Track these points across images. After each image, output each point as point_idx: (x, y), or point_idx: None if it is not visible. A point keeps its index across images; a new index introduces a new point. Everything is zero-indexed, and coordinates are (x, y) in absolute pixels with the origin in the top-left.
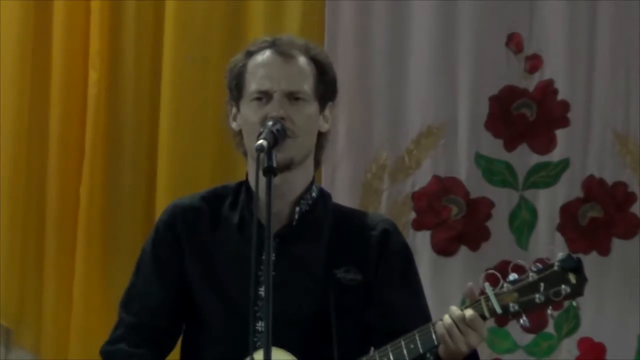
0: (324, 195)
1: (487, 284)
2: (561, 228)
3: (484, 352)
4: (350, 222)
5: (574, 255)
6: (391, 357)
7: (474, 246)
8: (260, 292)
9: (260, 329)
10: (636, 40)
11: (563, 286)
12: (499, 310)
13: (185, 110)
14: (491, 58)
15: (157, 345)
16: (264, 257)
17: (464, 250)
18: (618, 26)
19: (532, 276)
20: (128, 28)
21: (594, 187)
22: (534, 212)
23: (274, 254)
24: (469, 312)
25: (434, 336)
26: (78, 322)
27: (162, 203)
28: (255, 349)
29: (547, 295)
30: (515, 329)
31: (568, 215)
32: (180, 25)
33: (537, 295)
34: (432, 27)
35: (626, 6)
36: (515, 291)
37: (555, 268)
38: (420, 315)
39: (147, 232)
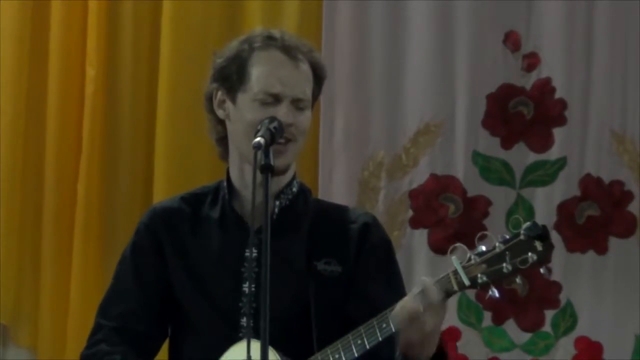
0: (304, 190)
1: (454, 258)
2: (558, 226)
3: (481, 350)
4: (331, 216)
5: (540, 223)
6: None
7: (471, 244)
8: (244, 289)
9: (245, 324)
10: (634, 39)
11: (530, 254)
12: (467, 282)
13: (182, 107)
14: (488, 56)
15: (138, 347)
16: (247, 254)
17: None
18: (616, 24)
19: (499, 246)
20: (125, 25)
21: (591, 186)
22: (531, 211)
23: (256, 250)
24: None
25: (391, 324)
26: (75, 320)
27: (159, 200)
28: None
29: (514, 264)
30: (512, 328)
31: (565, 213)
32: (177, 23)
33: (504, 265)
34: (430, 25)
35: (624, 4)
36: (483, 262)
37: (521, 237)
38: None
39: None
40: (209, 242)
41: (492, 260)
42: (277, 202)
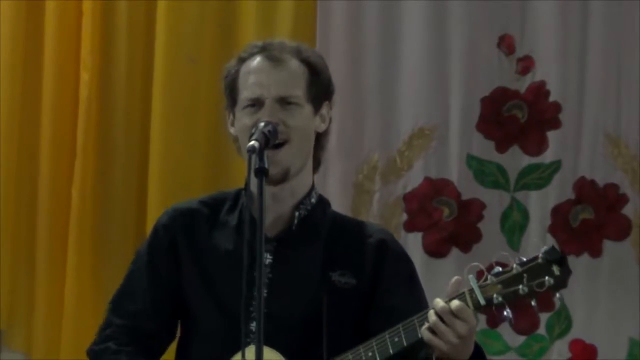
0: (322, 202)
1: (471, 276)
2: (552, 229)
3: None
4: (348, 228)
5: (558, 248)
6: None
7: (466, 248)
8: (255, 294)
9: (254, 329)
10: (628, 42)
11: (547, 277)
12: (482, 301)
13: (177, 110)
14: (483, 59)
15: (146, 347)
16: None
17: (455, 251)
18: (610, 28)
19: (516, 268)
20: (120, 29)
21: (585, 189)
22: (525, 214)
23: (271, 257)
24: (454, 303)
25: (418, 332)
26: (69, 324)
27: (154, 204)
28: (246, 346)
29: (531, 287)
30: (507, 331)
31: (559, 216)
32: (172, 26)
33: (520, 287)
34: (424, 28)
35: (618, 8)
36: (499, 283)
37: (539, 260)
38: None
39: (139, 234)
40: (224, 246)
41: (509, 281)
42: (297, 213)
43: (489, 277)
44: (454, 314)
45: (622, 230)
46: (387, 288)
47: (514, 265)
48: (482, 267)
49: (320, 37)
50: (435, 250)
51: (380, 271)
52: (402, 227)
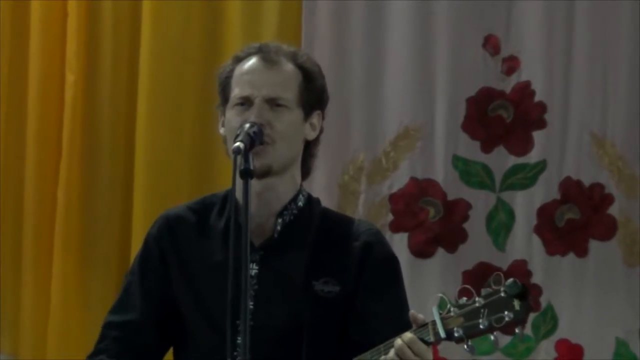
0: (311, 203)
1: (435, 308)
2: (538, 229)
3: (461, 353)
4: (335, 231)
5: (519, 282)
6: None
7: (452, 248)
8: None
9: (240, 342)
10: (613, 42)
11: (506, 312)
12: (442, 334)
13: (162, 111)
14: (468, 60)
15: (138, 359)
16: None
17: (441, 252)
18: (595, 28)
19: (478, 301)
20: (105, 29)
21: (571, 189)
22: (511, 214)
23: (257, 267)
24: (408, 336)
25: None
26: (55, 325)
27: (140, 205)
28: None
29: (490, 322)
30: None
31: (545, 216)
32: (157, 26)
33: (480, 321)
34: (410, 29)
35: (604, 8)
36: (461, 316)
37: (502, 294)
38: (400, 329)
39: (125, 235)
40: (211, 254)
41: (470, 314)
42: (280, 220)
43: (452, 309)
44: (409, 346)
45: (607, 230)
46: (365, 294)
47: (477, 298)
48: (445, 297)
49: (305, 37)
50: (421, 251)
51: (361, 276)
52: (387, 227)
